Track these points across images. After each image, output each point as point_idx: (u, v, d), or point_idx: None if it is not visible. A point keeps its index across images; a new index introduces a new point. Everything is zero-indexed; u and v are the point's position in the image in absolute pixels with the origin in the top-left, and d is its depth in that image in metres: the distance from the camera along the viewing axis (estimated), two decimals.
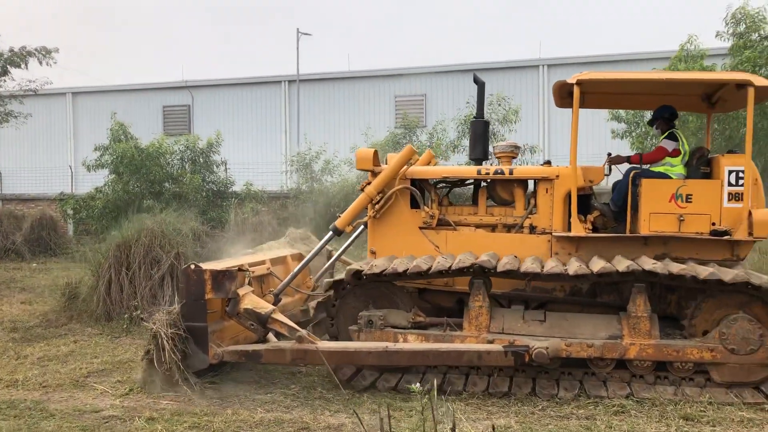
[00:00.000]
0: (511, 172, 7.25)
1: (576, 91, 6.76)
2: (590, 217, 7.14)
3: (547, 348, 6.11)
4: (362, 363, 6.30)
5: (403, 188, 7.24)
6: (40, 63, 21.07)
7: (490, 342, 6.37)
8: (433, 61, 32.67)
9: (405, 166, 7.26)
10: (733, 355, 6.16)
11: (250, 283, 6.86)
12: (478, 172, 7.33)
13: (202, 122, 27.89)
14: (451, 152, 18.31)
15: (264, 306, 6.27)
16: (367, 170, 7.31)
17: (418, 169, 7.41)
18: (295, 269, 7.26)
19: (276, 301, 7.10)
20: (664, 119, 7.43)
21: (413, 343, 6.37)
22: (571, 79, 6.80)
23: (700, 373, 6.29)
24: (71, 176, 26.01)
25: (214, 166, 19.72)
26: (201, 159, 19.24)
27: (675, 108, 7.47)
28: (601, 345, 6.27)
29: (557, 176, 7.11)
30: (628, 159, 7.41)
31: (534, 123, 23.64)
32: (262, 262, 7.34)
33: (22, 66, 20.98)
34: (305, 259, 7.31)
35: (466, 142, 17.76)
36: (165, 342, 5.96)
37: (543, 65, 24.37)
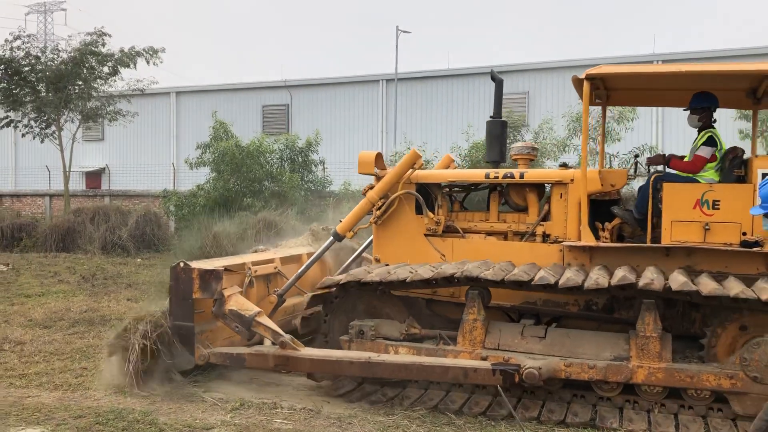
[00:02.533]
0: (522, 176, 6.78)
1: (586, 87, 6.22)
2: (608, 226, 6.56)
3: (540, 368, 5.63)
4: (344, 373, 6.09)
5: (407, 193, 6.95)
6: (148, 63, 22.19)
7: (484, 359, 5.97)
8: (536, 58, 31.81)
9: (409, 170, 6.95)
10: (756, 384, 5.42)
11: (251, 283, 6.81)
12: (486, 176, 6.91)
13: (300, 121, 28.44)
14: (559, 151, 17.41)
15: (249, 308, 6.18)
16: (370, 174, 7.08)
17: (423, 173, 7.09)
18: (299, 271, 7.12)
19: (280, 302, 7.01)
20: (710, 111, 6.63)
21: (397, 355, 6.07)
22: (584, 74, 6.26)
23: None
24: (174, 173, 27.30)
25: (313, 166, 19.99)
26: (299, 158, 19.56)
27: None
28: (605, 366, 5.71)
29: (572, 180, 6.57)
30: (667, 161, 6.70)
31: (647, 122, 22.25)
32: (270, 261, 7.27)
33: (131, 66, 22.25)
34: (306, 264, 7.16)
35: (576, 141, 17.06)
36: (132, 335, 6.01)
37: (657, 61, 22.90)
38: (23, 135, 22.66)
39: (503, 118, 7.41)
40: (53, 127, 22.13)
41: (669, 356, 5.66)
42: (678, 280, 5.49)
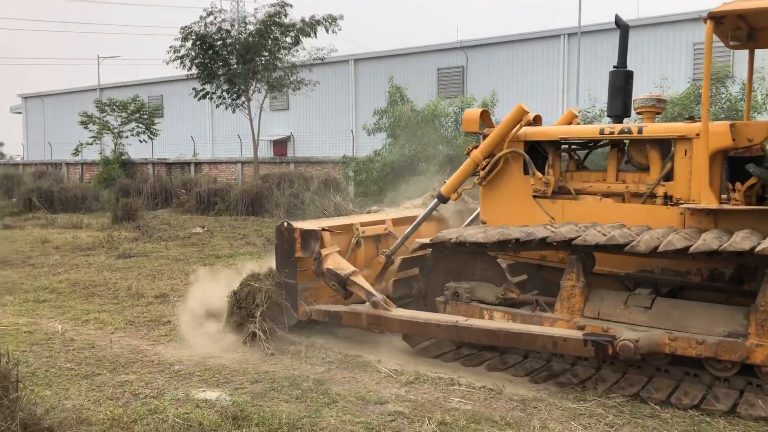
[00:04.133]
0: (640, 131, 6.13)
1: (709, 28, 5.44)
2: (739, 186, 5.75)
3: (638, 341, 5.16)
4: (432, 336, 6.02)
5: (513, 152, 6.60)
6: (327, 31, 22.99)
7: (581, 328, 5.58)
8: None
9: (516, 127, 6.59)
10: None
11: (359, 244, 6.93)
12: (601, 132, 6.34)
13: (475, 83, 28.04)
14: None
15: (345, 268, 6.29)
16: (475, 132, 6.81)
17: (533, 130, 6.67)
18: (406, 231, 7.08)
19: (388, 263, 7.05)
20: None
21: (484, 320, 5.86)
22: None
23: None
24: (352, 140, 28.29)
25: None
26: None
27: None
28: (716, 343, 5.08)
29: (698, 135, 5.83)
30: None
31: None
32: (381, 222, 7.32)
33: (312, 35, 23.19)
34: (413, 224, 7.09)
35: None
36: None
37: None
38: (217, 106, 24.63)
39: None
40: (243, 98, 23.80)
41: None
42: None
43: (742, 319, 5.12)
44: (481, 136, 6.85)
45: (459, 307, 6.18)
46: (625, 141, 6.42)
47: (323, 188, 21.17)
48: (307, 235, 6.36)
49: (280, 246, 6.49)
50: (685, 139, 5.92)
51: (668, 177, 6.09)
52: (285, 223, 6.49)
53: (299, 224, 6.52)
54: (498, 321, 5.89)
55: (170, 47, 23.30)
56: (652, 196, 6.15)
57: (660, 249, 5.03)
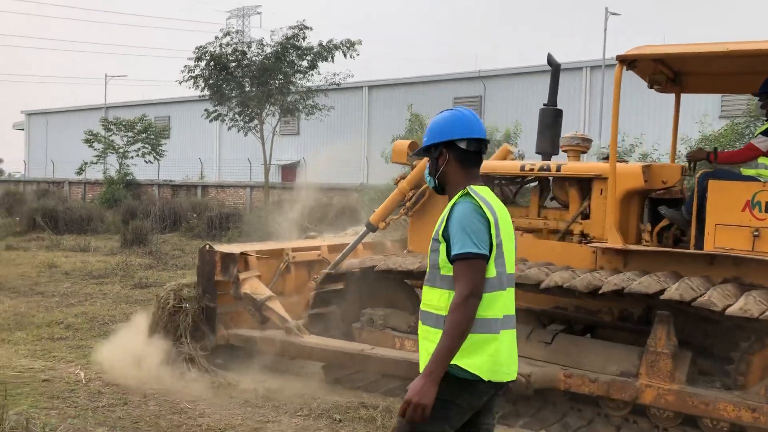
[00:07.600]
0: (558, 169, 6.19)
1: (618, 71, 5.52)
2: (647, 227, 5.77)
3: (530, 375, 5.15)
4: (341, 363, 6.03)
5: None
6: (345, 55, 22.82)
7: None
8: None
9: None
10: None
11: (288, 269, 6.98)
12: (522, 168, 6.41)
13: (493, 113, 27.42)
14: None
15: (261, 292, 6.33)
16: (404, 164, 6.90)
17: None
18: (336, 259, 7.09)
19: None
20: None
21: (388, 350, 5.87)
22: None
23: None
24: (366, 167, 27.97)
25: (511, 158, 19.46)
26: (496, 151, 19.17)
27: None
28: (608, 382, 5.07)
29: None
30: (708, 156, 5.79)
31: None
32: (316, 248, 7.36)
33: (329, 59, 22.78)
34: (342, 252, 7.13)
35: None
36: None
37: None
38: (229, 128, 24.35)
39: (559, 107, 6.81)
40: (256, 121, 23.69)
41: (683, 377, 4.90)
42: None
43: (636, 359, 5.11)
44: (410, 167, 6.93)
45: (373, 334, 6.20)
46: (550, 178, 6.47)
47: (340, 215, 20.96)
48: (226, 258, 6.42)
49: (201, 269, 6.53)
50: (601, 178, 5.95)
51: (586, 215, 6.12)
52: (207, 246, 6.57)
53: (221, 247, 6.60)
54: (404, 350, 5.90)
55: (184, 66, 22.94)
56: (569, 234, 6.18)
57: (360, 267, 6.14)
